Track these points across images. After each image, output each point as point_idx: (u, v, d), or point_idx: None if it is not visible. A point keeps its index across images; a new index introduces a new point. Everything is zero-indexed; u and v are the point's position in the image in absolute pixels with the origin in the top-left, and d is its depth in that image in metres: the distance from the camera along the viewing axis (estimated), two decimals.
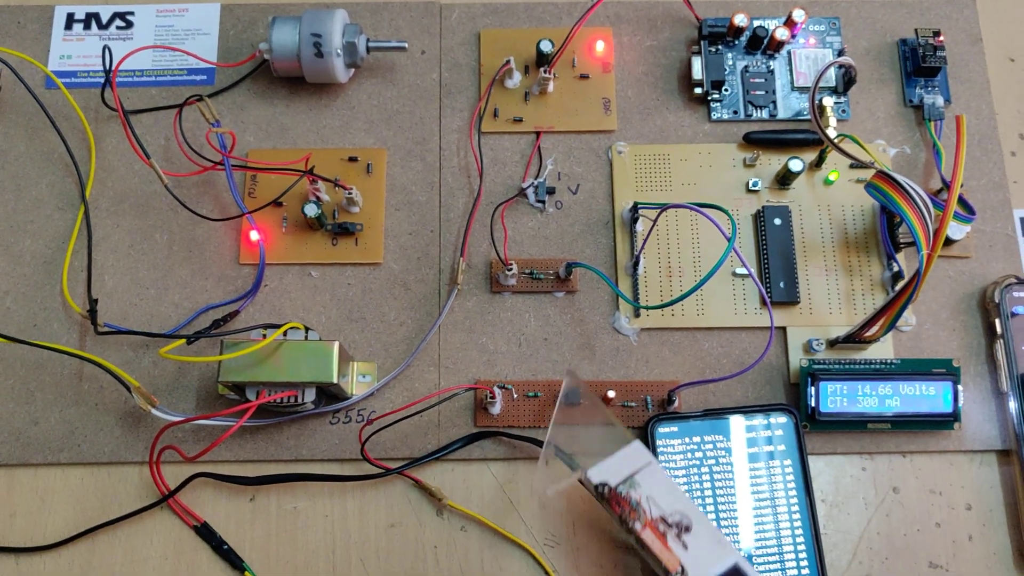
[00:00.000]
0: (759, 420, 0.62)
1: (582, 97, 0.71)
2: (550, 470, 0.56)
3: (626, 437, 0.56)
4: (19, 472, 0.64)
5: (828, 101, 0.68)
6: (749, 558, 0.59)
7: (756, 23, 0.71)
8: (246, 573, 0.61)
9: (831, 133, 0.65)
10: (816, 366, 0.63)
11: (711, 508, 0.60)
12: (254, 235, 0.67)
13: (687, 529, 0.50)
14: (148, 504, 0.62)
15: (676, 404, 0.63)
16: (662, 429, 0.62)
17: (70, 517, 0.63)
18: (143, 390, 0.61)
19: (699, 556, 0.49)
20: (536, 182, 0.68)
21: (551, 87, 0.70)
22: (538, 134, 0.70)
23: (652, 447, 0.61)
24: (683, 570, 0.49)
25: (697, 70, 0.70)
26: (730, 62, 0.71)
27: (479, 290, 0.67)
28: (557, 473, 0.56)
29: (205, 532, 0.62)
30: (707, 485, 0.61)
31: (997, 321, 0.64)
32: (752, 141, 0.69)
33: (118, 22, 0.74)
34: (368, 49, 0.69)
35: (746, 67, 0.71)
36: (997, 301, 0.64)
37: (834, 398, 0.62)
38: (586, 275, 0.67)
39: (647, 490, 0.52)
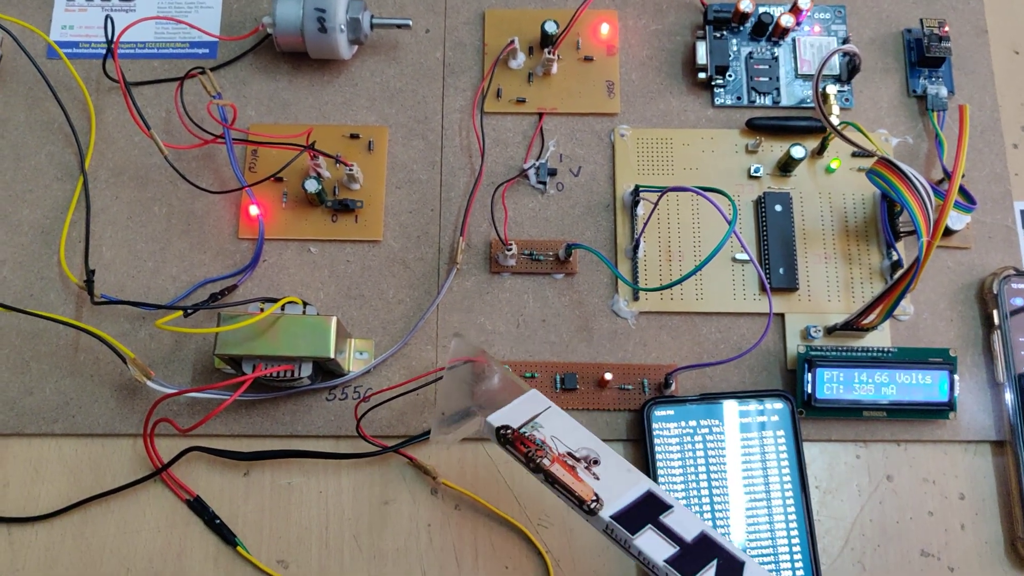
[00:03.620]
0: (755, 405, 0.62)
1: (586, 79, 0.71)
2: (447, 420, 0.56)
3: (523, 387, 0.55)
4: (12, 442, 0.64)
5: (832, 89, 0.68)
6: (744, 548, 0.59)
7: (761, 9, 0.71)
8: (238, 548, 0.61)
9: (834, 121, 0.65)
10: (813, 352, 0.63)
11: (705, 491, 0.60)
12: (253, 210, 0.66)
13: (595, 462, 0.50)
14: (141, 477, 0.62)
15: (673, 388, 0.63)
16: (658, 412, 0.62)
17: (63, 488, 0.63)
18: (139, 362, 0.61)
19: (612, 484, 0.49)
20: (538, 163, 0.68)
21: (555, 69, 0.70)
22: (541, 115, 0.70)
23: (648, 430, 0.61)
24: (597, 497, 0.48)
25: (701, 55, 0.70)
26: (734, 48, 0.71)
27: (478, 270, 0.67)
28: (455, 423, 0.56)
29: (198, 506, 0.62)
30: (702, 469, 0.61)
31: (995, 312, 0.64)
32: (755, 127, 0.69)
33: None
34: (372, 26, 0.69)
35: (750, 53, 0.71)
36: (995, 292, 0.64)
37: (830, 385, 0.62)
38: (585, 257, 0.67)
39: (550, 431, 0.52)
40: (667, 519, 0.49)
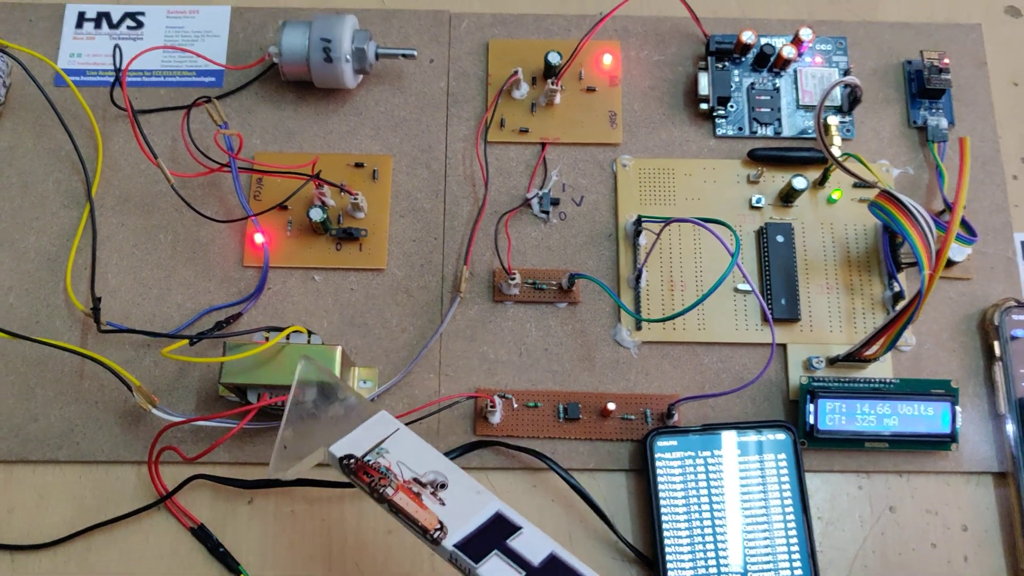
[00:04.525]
0: (757, 436, 0.62)
1: (588, 110, 0.71)
2: (289, 453, 0.53)
3: (371, 409, 0.53)
4: (17, 469, 0.64)
5: (833, 120, 0.69)
6: (744, 574, 0.59)
7: (763, 41, 0.71)
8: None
9: (835, 152, 0.66)
10: (815, 383, 0.63)
11: (708, 523, 0.60)
12: (259, 238, 0.67)
13: (443, 486, 0.48)
14: (146, 504, 0.62)
15: (675, 418, 0.63)
16: (661, 443, 0.62)
17: (67, 515, 0.63)
18: (144, 389, 0.61)
19: (457, 509, 0.48)
20: (541, 192, 0.69)
21: (558, 99, 0.71)
22: (544, 145, 0.70)
23: (651, 460, 0.61)
24: (442, 526, 0.47)
25: (703, 86, 0.70)
26: (736, 79, 0.72)
27: (481, 299, 0.67)
28: (298, 454, 0.53)
29: (202, 534, 0.62)
30: (704, 500, 0.61)
31: (996, 343, 0.64)
32: (756, 158, 0.69)
33: (129, 22, 0.74)
34: (377, 56, 0.70)
35: (752, 84, 0.72)
36: (997, 323, 0.64)
37: (833, 416, 0.62)
38: (588, 287, 0.67)
39: (397, 456, 0.50)
40: (514, 542, 0.47)
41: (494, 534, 0.47)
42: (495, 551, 0.46)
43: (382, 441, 0.51)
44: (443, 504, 0.48)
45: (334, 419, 0.53)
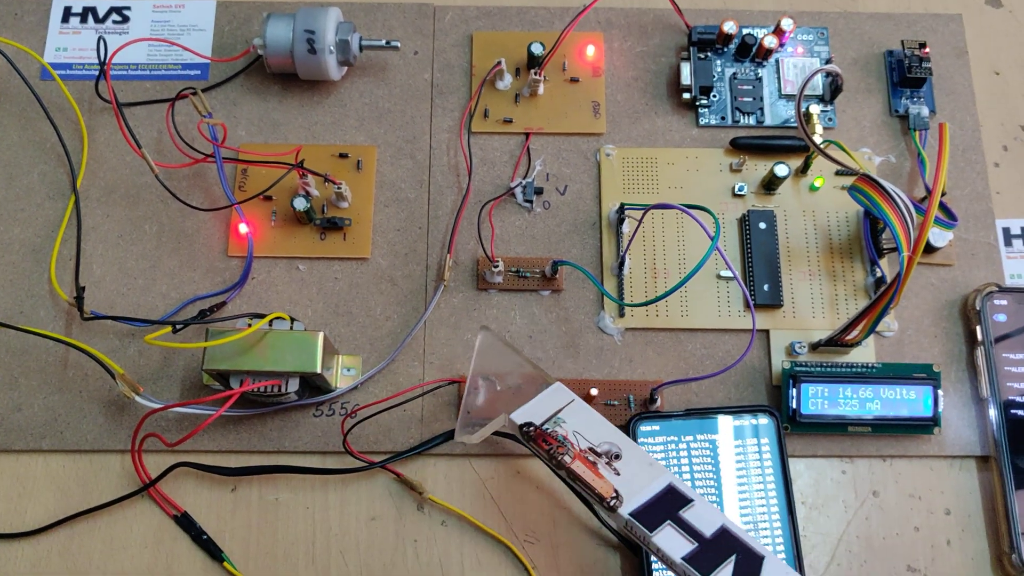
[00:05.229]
0: (741, 421, 0.62)
1: (572, 100, 0.72)
2: (472, 419, 0.57)
3: (547, 381, 0.56)
4: (0, 458, 0.64)
5: (815, 109, 0.69)
6: None
7: (745, 31, 0.72)
8: (225, 563, 0.61)
9: (817, 140, 0.66)
10: (798, 368, 0.63)
11: None
12: (243, 227, 0.67)
13: (617, 457, 0.51)
14: (129, 493, 0.62)
15: (659, 403, 0.63)
16: (644, 427, 0.62)
17: (50, 504, 0.63)
18: (128, 378, 0.61)
19: (632, 480, 0.50)
20: (524, 182, 0.69)
21: (541, 89, 0.71)
22: (527, 135, 0.71)
23: None
24: (617, 494, 0.49)
25: (686, 76, 0.71)
26: (718, 69, 0.72)
27: (465, 287, 0.67)
28: (480, 421, 0.56)
29: (185, 522, 0.62)
30: (687, 484, 0.61)
31: (978, 328, 0.65)
32: (739, 146, 0.70)
33: (114, 16, 0.75)
34: (361, 47, 0.70)
35: (734, 74, 0.72)
36: (978, 308, 0.65)
37: (815, 400, 0.62)
38: (572, 274, 0.67)
39: (573, 425, 0.52)
40: (687, 514, 0.49)
41: (667, 505, 0.49)
42: (668, 521, 0.49)
43: (559, 411, 0.53)
44: (618, 474, 0.50)
45: (512, 388, 0.55)
